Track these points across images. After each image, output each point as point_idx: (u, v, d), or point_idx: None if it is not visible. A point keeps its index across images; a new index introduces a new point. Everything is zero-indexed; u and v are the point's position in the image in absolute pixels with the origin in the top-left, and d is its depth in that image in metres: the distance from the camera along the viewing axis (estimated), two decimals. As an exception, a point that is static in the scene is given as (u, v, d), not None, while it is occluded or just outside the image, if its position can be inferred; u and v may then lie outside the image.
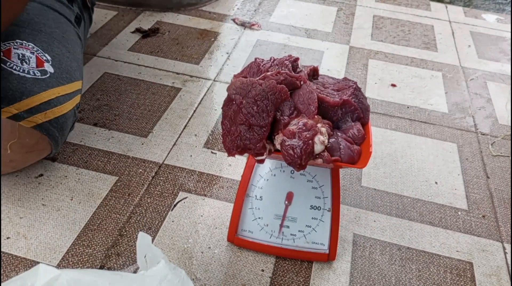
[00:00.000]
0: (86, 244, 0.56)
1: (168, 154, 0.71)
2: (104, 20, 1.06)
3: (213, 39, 1.04)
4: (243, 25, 1.11)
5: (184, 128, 0.77)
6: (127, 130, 0.75)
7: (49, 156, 0.64)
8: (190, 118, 0.79)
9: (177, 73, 0.91)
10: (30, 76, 0.56)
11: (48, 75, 0.58)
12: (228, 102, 0.52)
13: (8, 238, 0.56)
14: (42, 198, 0.61)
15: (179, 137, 0.75)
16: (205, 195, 0.65)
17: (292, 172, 0.55)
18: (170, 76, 0.90)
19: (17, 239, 0.56)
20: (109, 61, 0.91)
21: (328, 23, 1.16)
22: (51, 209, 0.60)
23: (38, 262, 0.53)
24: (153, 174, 0.67)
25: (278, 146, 0.48)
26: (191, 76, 0.90)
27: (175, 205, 0.62)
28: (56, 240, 0.56)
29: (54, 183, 0.63)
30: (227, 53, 0.99)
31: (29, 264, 0.53)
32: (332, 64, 0.99)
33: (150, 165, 0.69)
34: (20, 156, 0.57)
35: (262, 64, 0.54)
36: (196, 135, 0.75)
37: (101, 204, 0.61)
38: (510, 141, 0.80)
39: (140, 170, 0.67)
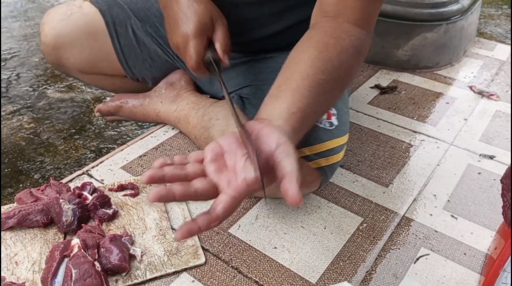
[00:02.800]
0: (338, 272, 0.63)
1: (409, 208, 0.75)
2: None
3: (448, 103, 1.06)
4: (480, 93, 1.10)
5: (423, 186, 0.80)
6: (369, 176, 0.82)
7: (314, 190, 0.75)
8: (429, 177, 0.82)
9: (414, 132, 0.95)
10: (321, 126, 0.68)
11: (333, 127, 0.69)
12: (510, 176, 0.53)
13: (275, 248, 0.67)
14: (301, 221, 0.71)
15: (418, 194, 0.78)
16: (447, 257, 0.66)
17: None
18: (407, 133, 0.94)
19: (282, 251, 0.66)
20: (351, 111, 1.01)
21: None
22: (309, 232, 0.69)
23: (299, 275, 0.63)
24: (395, 224, 0.71)
25: None
26: (428, 136, 0.93)
27: (417, 259, 0.65)
28: (313, 260, 0.65)
29: (310, 211, 0.73)
30: (465, 119, 1.00)
31: (292, 275, 0.63)
32: None
33: (391, 214, 0.73)
34: None
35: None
36: (435, 195, 0.78)
37: (349, 239, 0.68)
38: None
39: (383, 216, 0.73)
